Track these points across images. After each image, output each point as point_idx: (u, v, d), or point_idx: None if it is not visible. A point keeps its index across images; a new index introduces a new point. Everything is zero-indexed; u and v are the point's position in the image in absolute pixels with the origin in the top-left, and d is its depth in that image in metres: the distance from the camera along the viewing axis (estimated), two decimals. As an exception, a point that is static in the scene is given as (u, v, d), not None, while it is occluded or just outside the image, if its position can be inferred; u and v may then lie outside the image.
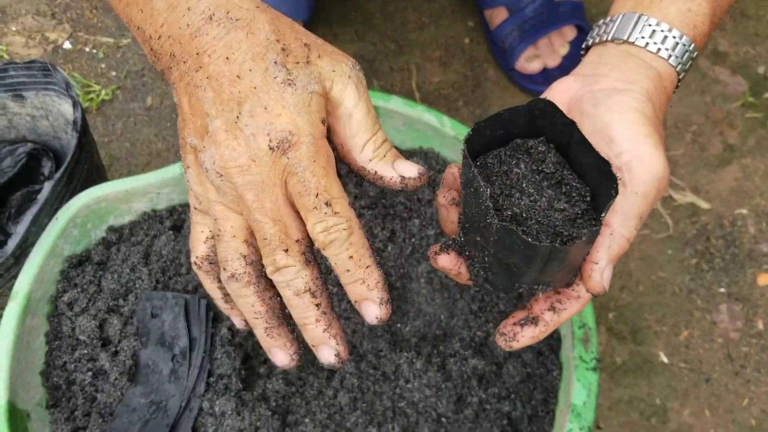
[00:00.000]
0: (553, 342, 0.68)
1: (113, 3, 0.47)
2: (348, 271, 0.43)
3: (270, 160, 0.41)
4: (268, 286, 0.46)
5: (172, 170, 0.75)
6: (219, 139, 0.41)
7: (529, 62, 1.10)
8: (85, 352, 0.70)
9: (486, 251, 0.42)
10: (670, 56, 0.49)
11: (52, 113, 0.87)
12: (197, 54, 0.42)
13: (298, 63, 0.43)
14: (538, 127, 0.44)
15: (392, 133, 0.80)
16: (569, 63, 1.11)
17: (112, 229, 0.76)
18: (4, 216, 0.89)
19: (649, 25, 0.50)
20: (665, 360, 0.91)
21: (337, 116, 0.45)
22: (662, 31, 0.49)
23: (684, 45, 0.49)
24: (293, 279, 0.43)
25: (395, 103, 0.77)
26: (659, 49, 0.49)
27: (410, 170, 0.46)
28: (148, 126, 1.10)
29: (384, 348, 0.69)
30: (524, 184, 0.43)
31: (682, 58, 0.50)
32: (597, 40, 0.53)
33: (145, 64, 1.15)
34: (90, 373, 0.69)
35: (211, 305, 0.69)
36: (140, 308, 0.70)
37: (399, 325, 0.72)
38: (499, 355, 0.67)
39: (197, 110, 0.43)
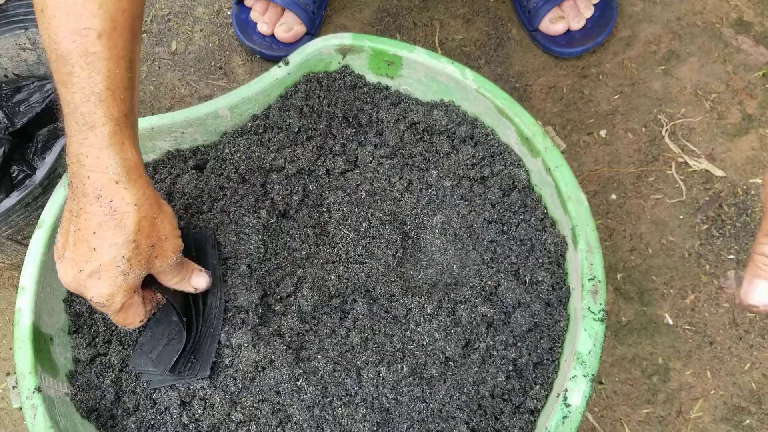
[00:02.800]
0: (561, 294, 0.69)
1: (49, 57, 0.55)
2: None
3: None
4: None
5: (197, 111, 0.77)
6: (65, 266, 0.57)
7: (554, 23, 1.10)
8: (108, 282, 0.72)
9: None
10: None
11: (80, 50, 0.88)
12: (80, 208, 0.55)
13: (140, 260, 0.57)
14: None
15: (414, 85, 0.81)
16: (593, 26, 1.11)
17: (136, 166, 0.78)
18: (31, 151, 0.91)
19: None
20: (670, 321, 0.92)
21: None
22: None
23: None
24: None
25: (419, 54, 0.78)
26: None
27: (201, 283, 0.67)
28: (172, 70, 1.11)
29: (397, 293, 0.71)
30: None
31: None
32: None
33: (170, 9, 1.16)
34: (112, 303, 0.71)
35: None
36: None
37: (412, 273, 0.74)
38: (509, 304, 0.69)
39: (66, 237, 0.57)
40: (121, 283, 0.57)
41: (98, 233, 0.55)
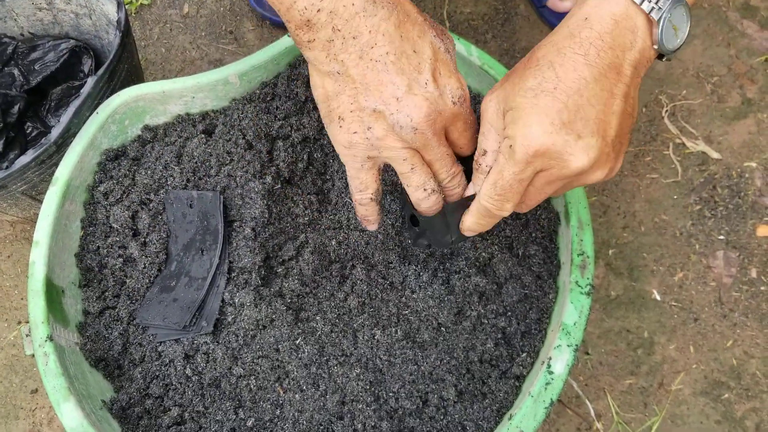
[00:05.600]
0: (552, 268, 0.73)
1: None
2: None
3: (451, 112, 0.52)
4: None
5: (207, 76, 0.79)
6: (415, 101, 0.50)
7: (562, 0, 1.11)
8: (117, 239, 0.75)
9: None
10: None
11: (95, 12, 0.90)
12: (369, 32, 0.48)
13: (444, 33, 0.53)
14: None
15: (419, 59, 0.83)
16: (600, 4, 1.12)
17: (147, 128, 0.81)
18: (44, 108, 0.93)
19: None
20: (658, 297, 0.96)
21: None
22: None
23: None
24: (457, 178, 0.57)
25: (425, 29, 0.80)
26: None
27: None
28: (183, 33, 1.13)
29: (394, 260, 0.74)
30: None
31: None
32: None
33: (183, -29, 1.17)
34: (120, 259, 0.75)
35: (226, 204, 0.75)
36: (170, 201, 0.75)
37: (410, 242, 0.77)
38: (501, 276, 0.72)
39: (381, 81, 0.50)
40: (450, 63, 0.53)
41: (404, 35, 0.50)
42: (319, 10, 0.48)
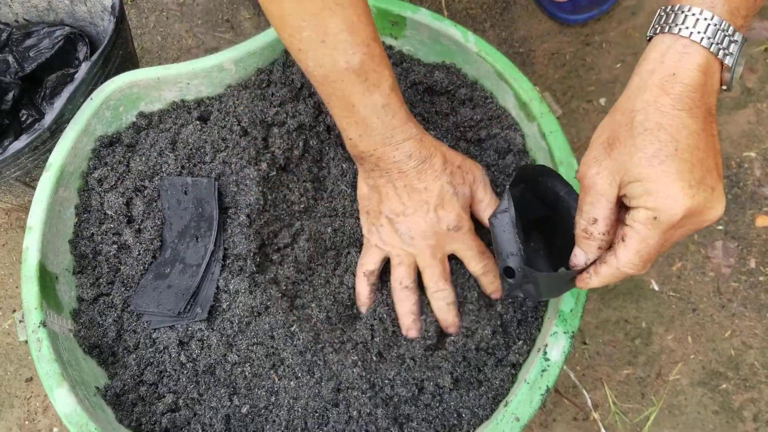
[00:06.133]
0: (549, 255, 0.72)
1: (323, 93, 0.65)
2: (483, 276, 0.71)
3: (447, 235, 0.68)
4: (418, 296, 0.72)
5: (202, 62, 0.79)
6: (415, 219, 0.68)
7: (560, -11, 1.11)
8: (112, 226, 0.75)
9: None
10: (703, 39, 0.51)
11: (90, -1, 0.89)
12: (398, 172, 0.66)
13: (461, 182, 0.68)
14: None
15: (417, 46, 0.82)
16: (599, -7, 1.11)
17: (142, 115, 0.80)
18: (39, 96, 0.93)
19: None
20: (656, 287, 0.95)
21: (476, 202, 0.71)
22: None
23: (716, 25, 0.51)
24: (445, 294, 0.69)
25: (422, 16, 0.79)
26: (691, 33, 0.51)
27: None
28: (179, 21, 1.12)
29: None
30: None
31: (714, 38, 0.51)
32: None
33: (179, -40, 1.17)
34: (115, 246, 0.74)
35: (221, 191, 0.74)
36: (165, 187, 0.74)
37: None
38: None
39: (398, 199, 0.68)
40: (456, 203, 0.68)
41: (422, 177, 0.67)
42: (372, 151, 0.66)
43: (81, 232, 0.75)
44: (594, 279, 0.57)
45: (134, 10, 1.13)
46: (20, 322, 0.68)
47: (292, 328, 0.69)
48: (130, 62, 0.88)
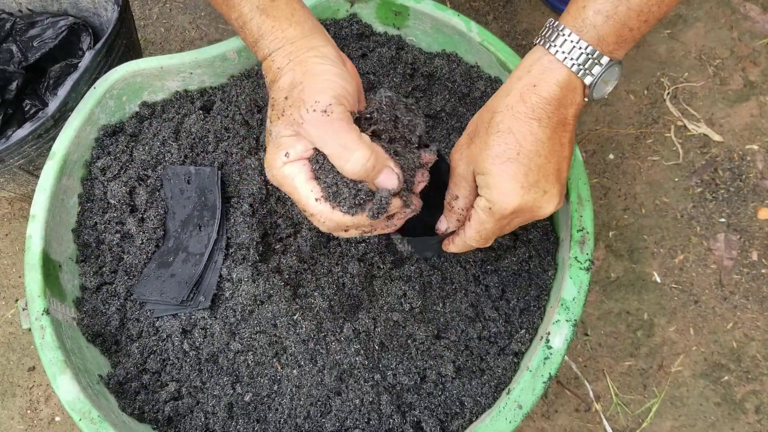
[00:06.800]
0: (550, 245, 0.72)
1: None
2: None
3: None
4: None
5: (205, 52, 0.79)
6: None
7: (562, -18, 1.11)
8: (115, 215, 0.75)
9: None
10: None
11: (93, -12, 0.89)
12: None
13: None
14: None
15: (420, 36, 0.82)
16: (602, -14, 1.11)
17: (145, 105, 0.80)
18: (43, 86, 0.93)
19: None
20: (658, 279, 0.95)
21: None
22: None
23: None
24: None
25: (425, 5, 0.79)
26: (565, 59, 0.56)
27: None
28: (183, 13, 1.12)
29: (394, 236, 0.73)
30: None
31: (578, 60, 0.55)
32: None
33: (182, -49, 1.17)
34: (118, 235, 0.74)
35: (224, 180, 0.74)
36: (168, 176, 0.74)
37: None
38: (498, 247, 0.72)
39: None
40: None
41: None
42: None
43: (84, 221, 0.75)
44: (451, 246, 0.64)
45: (138, 1, 1.13)
46: (23, 309, 0.68)
47: (295, 317, 0.69)
48: (134, 52, 0.88)
